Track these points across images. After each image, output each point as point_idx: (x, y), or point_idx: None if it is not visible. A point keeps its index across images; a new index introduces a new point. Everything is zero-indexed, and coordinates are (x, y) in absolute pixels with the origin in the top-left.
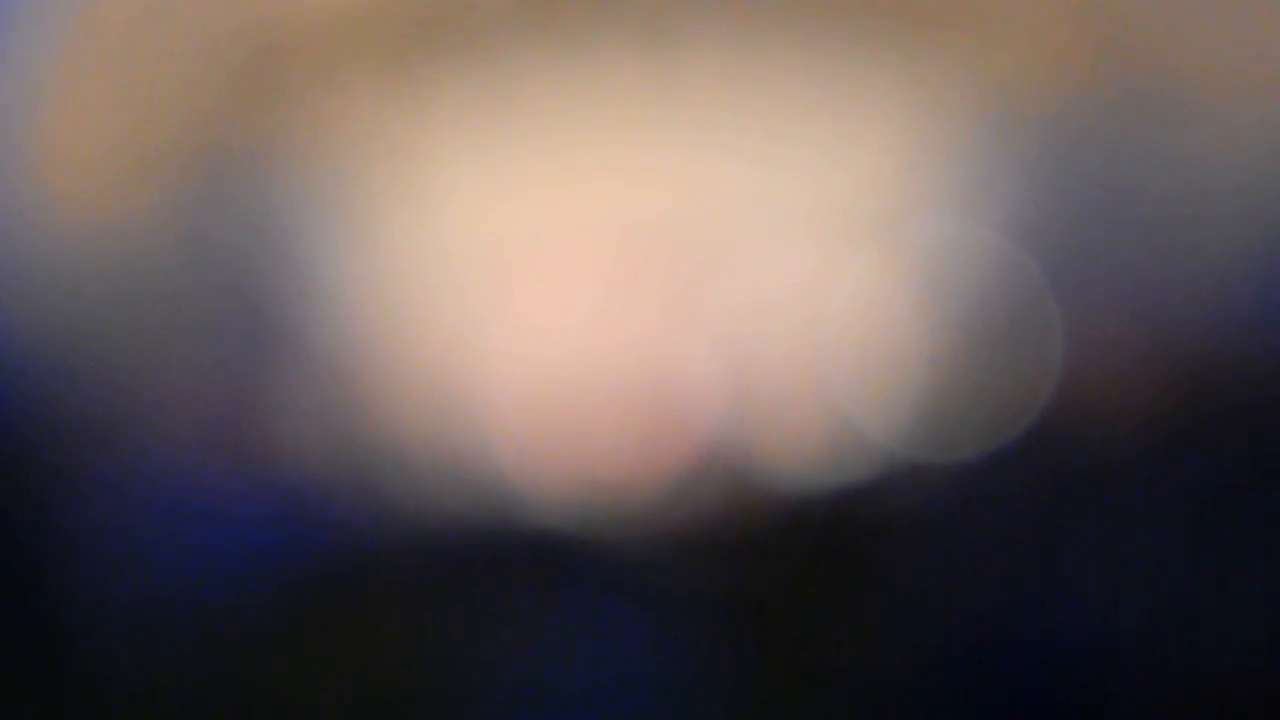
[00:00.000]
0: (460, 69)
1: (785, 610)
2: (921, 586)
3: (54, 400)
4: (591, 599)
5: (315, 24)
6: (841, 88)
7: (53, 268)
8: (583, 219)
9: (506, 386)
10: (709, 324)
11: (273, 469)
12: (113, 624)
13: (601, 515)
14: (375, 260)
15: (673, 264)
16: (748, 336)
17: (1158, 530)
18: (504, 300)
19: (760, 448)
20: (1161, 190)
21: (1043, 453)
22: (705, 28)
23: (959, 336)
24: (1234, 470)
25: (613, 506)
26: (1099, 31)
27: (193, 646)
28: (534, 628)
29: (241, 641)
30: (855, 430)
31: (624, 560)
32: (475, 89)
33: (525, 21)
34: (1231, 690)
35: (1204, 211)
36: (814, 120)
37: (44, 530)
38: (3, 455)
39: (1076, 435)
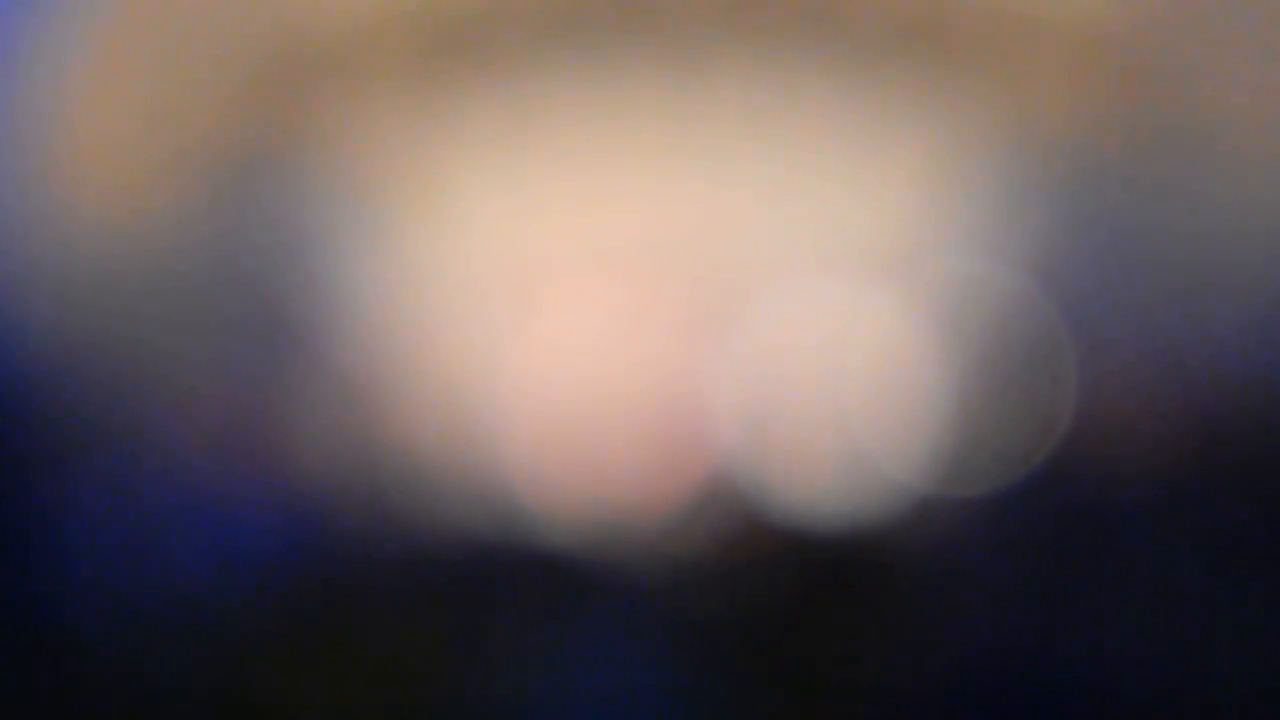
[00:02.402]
0: (484, 84)
1: (793, 640)
2: (932, 620)
3: (70, 398)
4: (599, 620)
5: (340, 33)
6: (865, 121)
7: (74, 267)
8: (601, 239)
9: (521, 403)
10: (725, 350)
11: (284, 474)
12: (116, 623)
13: (612, 537)
14: (393, 270)
15: (691, 289)
16: (765, 364)
17: (1170, 568)
18: (521, 317)
19: (774, 477)
20: (1182, 228)
21: (1057, 489)
22: (731, 56)
23: (976, 371)
24: (1249, 508)
25: (623, 528)
26: (1120, 69)
27: (194, 649)
28: (540, 645)
29: (242, 646)
30: (870, 462)
31: (632, 582)
32: (498, 105)
33: (551, 40)
34: None
35: (1224, 250)
36: (836, 152)
37: (53, 529)
38: (16, 452)
39: (1092, 472)
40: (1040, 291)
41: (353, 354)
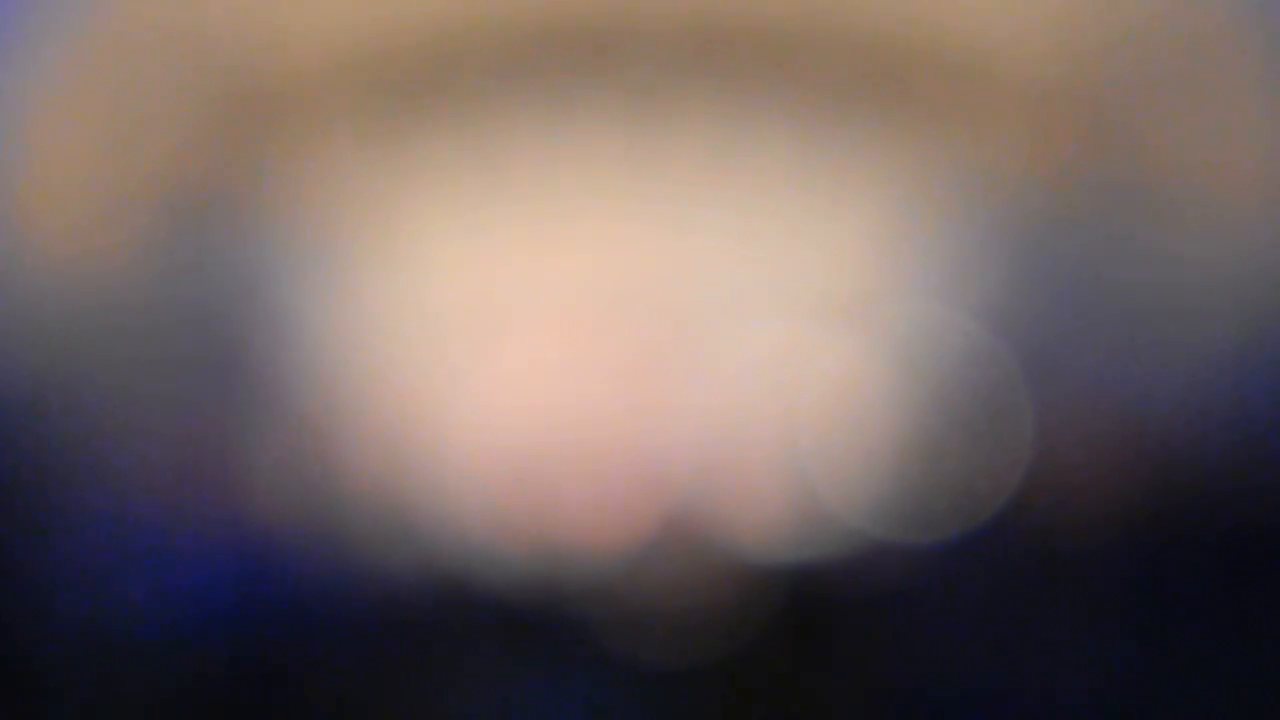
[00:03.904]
0: (445, 127)
1: (747, 681)
2: (883, 665)
3: (30, 434)
4: (552, 663)
5: (300, 72)
6: (825, 168)
7: (33, 303)
8: (559, 283)
9: (479, 445)
10: (682, 395)
11: (241, 512)
12: (74, 659)
13: (568, 578)
14: (352, 309)
15: (650, 332)
16: (720, 409)
17: (1122, 616)
18: (479, 358)
19: (728, 520)
20: (1138, 279)
21: (1010, 537)
22: (693, 101)
23: (931, 419)
24: (1202, 556)
25: (580, 570)
26: (1078, 122)
27: (153, 683)
28: (496, 687)
29: (198, 682)
30: (826, 506)
31: (588, 624)
32: (458, 145)
33: (511, 83)
34: None
35: (1181, 303)
36: (797, 198)
37: (14, 563)
38: None
39: (1045, 521)
40: (997, 339)
41: (311, 392)
